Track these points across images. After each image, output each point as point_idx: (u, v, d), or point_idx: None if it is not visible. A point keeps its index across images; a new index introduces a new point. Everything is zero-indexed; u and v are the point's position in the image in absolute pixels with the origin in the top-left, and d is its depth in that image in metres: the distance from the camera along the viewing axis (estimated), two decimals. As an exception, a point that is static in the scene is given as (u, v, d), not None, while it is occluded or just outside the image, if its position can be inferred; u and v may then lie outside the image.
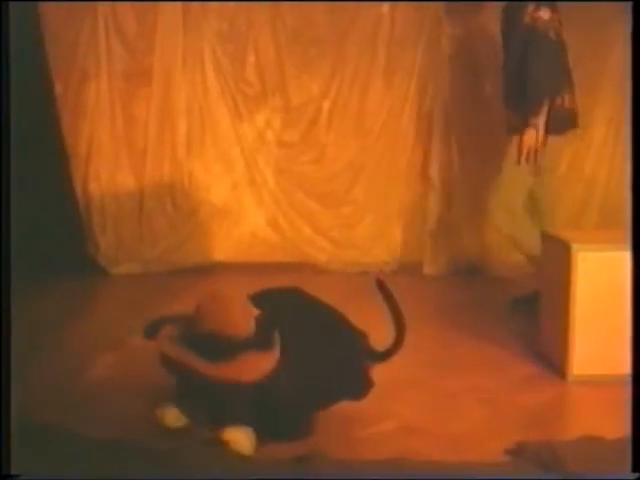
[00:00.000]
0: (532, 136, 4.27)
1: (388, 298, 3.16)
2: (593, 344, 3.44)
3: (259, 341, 2.73)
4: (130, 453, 2.71)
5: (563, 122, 4.38)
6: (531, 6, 4.21)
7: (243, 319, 2.77)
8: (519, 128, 4.33)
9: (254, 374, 2.71)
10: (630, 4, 3.24)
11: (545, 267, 3.83)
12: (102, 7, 5.35)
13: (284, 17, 5.47)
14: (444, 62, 5.49)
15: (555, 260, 3.62)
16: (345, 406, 3.03)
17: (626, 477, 2.44)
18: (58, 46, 5.31)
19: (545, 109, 4.26)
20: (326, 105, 5.58)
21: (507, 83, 4.53)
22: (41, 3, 5.20)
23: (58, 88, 5.36)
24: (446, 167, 5.60)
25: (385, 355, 3.12)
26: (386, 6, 5.47)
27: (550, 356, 3.70)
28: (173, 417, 2.89)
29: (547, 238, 3.80)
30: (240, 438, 2.75)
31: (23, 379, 3.40)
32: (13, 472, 2.35)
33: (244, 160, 5.60)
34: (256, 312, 2.81)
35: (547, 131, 4.31)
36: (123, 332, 4.10)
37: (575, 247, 3.43)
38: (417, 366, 3.68)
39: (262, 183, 5.64)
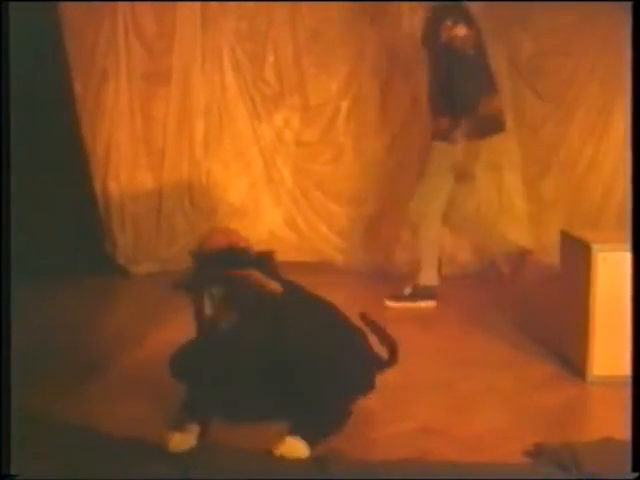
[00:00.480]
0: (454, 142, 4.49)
1: (374, 328, 3.25)
2: (613, 345, 3.42)
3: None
4: (147, 453, 2.72)
5: (486, 127, 4.55)
6: (448, 22, 4.43)
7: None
8: (443, 135, 4.56)
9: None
10: (630, 4, 3.22)
11: (565, 267, 3.80)
12: (122, 7, 5.38)
13: (303, 16, 5.47)
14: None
15: (575, 260, 3.60)
16: (363, 406, 3.02)
17: (626, 477, 2.43)
18: (78, 46, 5.35)
19: (467, 118, 4.47)
20: (345, 104, 5.58)
21: (432, 92, 4.70)
22: (61, 3, 5.23)
23: (77, 88, 5.39)
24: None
25: (383, 365, 3.21)
26: (406, 4, 5.45)
27: (570, 356, 3.68)
28: (178, 442, 2.81)
29: (567, 238, 3.77)
30: (296, 446, 2.75)
31: (41, 377, 3.44)
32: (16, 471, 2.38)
33: (262, 159, 5.62)
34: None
35: (469, 137, 4.50)
36: (141, 331, 4.13)
37: (595, 247, 3.41)
38: (436, 367, 3.69)
39: (280, 182, 5.65)
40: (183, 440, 2.79)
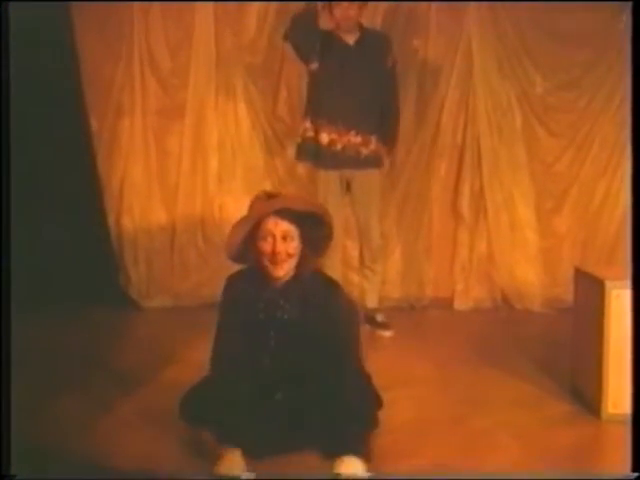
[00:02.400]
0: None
1: None
2: (628, 382, 3.38)
3: None
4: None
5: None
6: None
7: None
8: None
9: None
10: (630, 4, 3.23)
11: (579, 303, 3.78)
12: (138, 44, 5.45)
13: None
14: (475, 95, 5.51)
15: (588, 297, 3.58)
16: (374, 443, 3.01)
17: (626, 477, 2.40)
18: (94, 82, 5.43)
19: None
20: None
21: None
22: (79, 39, 5.30)
23: (94, 124, 5.47)
24: (477, 200, 5.60)
25: None
26: (418, 39, 5.50)
27: (584, 394, 3.65)
28: (228, 465, 2.80)
29: (580, 275, 3.76)
30: (354, 464, 2.78)
31: (51, 410, 3.44)
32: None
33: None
34: None
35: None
36: (153, 365, 4.12)
37: (609, 284, 3.40)
38: (449, 402, 3.66)
39: (293, 217, 5.65)
40: (233, 463, 2.78)
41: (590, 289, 3.56)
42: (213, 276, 5.51)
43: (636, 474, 2.39)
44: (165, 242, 5.58)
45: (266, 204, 2.96)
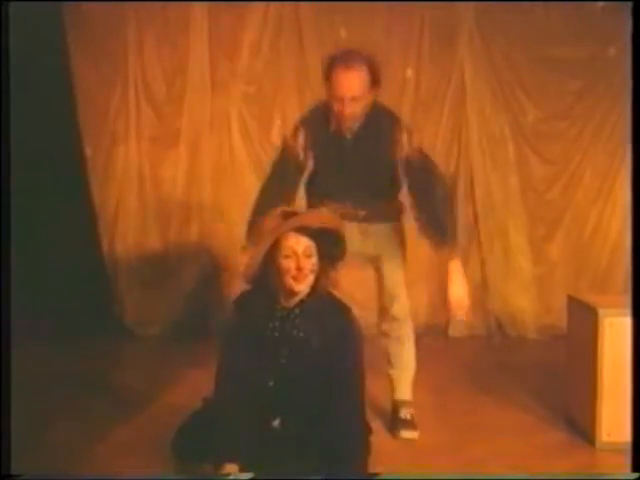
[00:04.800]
0: None
1: None
2: (622, 411, 3.38)
3: None
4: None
5: None
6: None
7: None
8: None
9: None
10: (630, 4, 3.26)
11: (572, 332, 3.79)
12: (133, 72, 5.47)
13: (310, 80, 5.55)
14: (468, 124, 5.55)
15: (582, 325, 3.59)
16: (371, 468, 3.00)
17: (626, 477, 2.40)
18: (89, 110, 5.45)
19: None
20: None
21: None
22: (74, 66, 5.34)
23: (88, 151, 5.49)
24: (470, 229, 5.62)
25: None
26: (411, 70, 5.55)
27: (578, 422, 3.65)
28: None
29: (573, 302, 3.77)
30: None
31: (46, 438, 3.43)
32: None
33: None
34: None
35: None
36: (148, 393, 4.11)
37: (602, 312, 3.41)
38: (445, 431, 3.66)
39: (287, 244, 5.66)
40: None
41: (583, 317, 3.57)
42: (208, 304, 5.55)
43: (636, 474, 2.38)
44: (159, 270, 5.58)
45: (285, 223, 2.96)
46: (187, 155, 5.56)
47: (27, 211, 5.07)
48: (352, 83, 3.25)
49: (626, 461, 3.18)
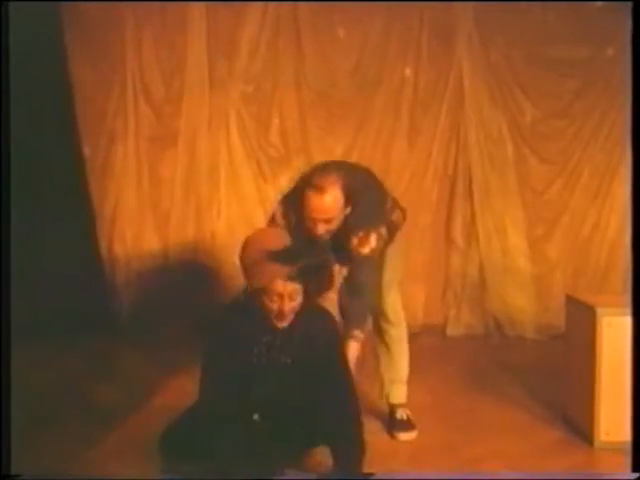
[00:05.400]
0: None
1: None
2: (620, 410, 3.39)
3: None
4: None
5: None
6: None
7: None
8: None
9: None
10: (630, 4, 3.26)
11: (570, 331, 3.79)
12: (131, 72, 5.47)
13: (308, 79, 5.55)
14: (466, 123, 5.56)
15: (580, 324, 3.59)
16: (369, 469, 3.00)
17: (626, 477, 2.40)
18: (87, 110, 5.45)
19: None
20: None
21: None
22: (72, 66, 5.34)
23: (86, 151, 5.48)
24: (469, 228, 5.63)
25: None
26: (409, 69, 5.55)
27: (576, 421, 3.65)
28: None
29: (571, 302, 3.77)
30: None
31: (43, 438, 3.43)
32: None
33: (267, 221, 5.63)
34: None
35: None
36: (145, 393, 4.11)
37: (600, 312, 3.41)
38: (443, 430, 3.66)
39: (285, 244, 5.66)
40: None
41: (581, 316, 3.58)
42: (206, 303, 5.55)
43: (636, 474, 2.38)
44: (158, 269, 5.58)
45: (279, 270, 2.85)
46: (185, 155, 5.55)
47: (25, 211, 5.07)
48: (325, 207, 3.19)
49: (624, 460, 3.19)
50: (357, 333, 3.31)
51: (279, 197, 3.54)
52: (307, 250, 3.00)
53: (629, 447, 3.19)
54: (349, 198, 3.23)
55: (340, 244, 3.35)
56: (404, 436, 3.61)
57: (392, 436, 3.61)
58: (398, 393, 3.74)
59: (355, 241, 3.31)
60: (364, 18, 5.46)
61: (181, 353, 4.92)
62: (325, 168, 3.34)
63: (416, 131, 5.59)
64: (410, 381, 3.79)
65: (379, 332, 3.71)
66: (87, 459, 3.28)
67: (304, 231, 3.28)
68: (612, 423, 3.42)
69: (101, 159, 5.53)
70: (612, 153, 5.59)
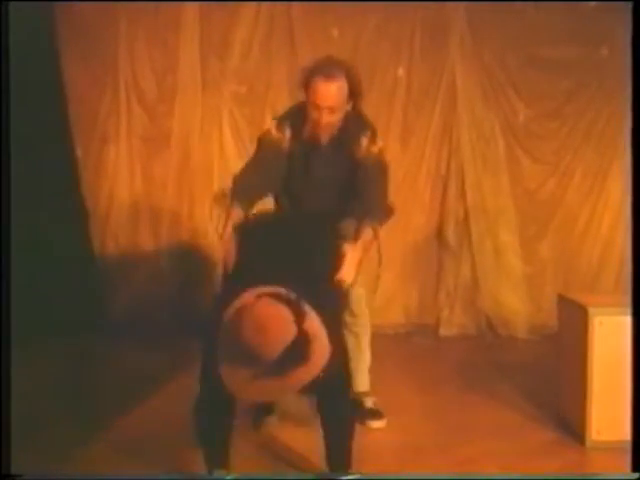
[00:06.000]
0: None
1: None
2: (612, 409, 3.40)
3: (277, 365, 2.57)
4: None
5: None
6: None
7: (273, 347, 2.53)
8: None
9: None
10: (630, 4, 3.26)
11: (562, 330, 3.80)
12: (124, 72, 5.48)
13: (301, 80, 5.55)
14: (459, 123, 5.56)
15: (572, 324, 3.60)
16: (362, 468, 3.01)
17: (626, 477, 2.40)
18: (80, 110, 5.45)
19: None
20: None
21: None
22: (65, 67, 5.33)
23: (79, 151, 5.48)
24: (462, 227, 5.64)
25: None
26: (402, 69, 5.56)
27: (569, 420, 3.66)
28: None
29: (564, 301, 3.78)
30: None
31: (36, 438, 3.43)
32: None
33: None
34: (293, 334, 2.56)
35: None
36: (138, 392, 4.11)
37: (592, 311, 3.41)
38: (435, 430, 3.66)
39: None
40: None
41: (573, 316, 3.58)
42: (199, 303, 5.55)
43: (636, 474, 2.39)
44: (150, 268, 5.58)
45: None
46: (178, 155, 5.56)
47: (18, 212, 5.05)
48: (331, 94, 3.25)
49: (616, 460, 3.22)
50: (373, 224, 3.30)
51: (280, 114, 3.56)
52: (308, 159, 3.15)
53: (620, 446, 3.23)
54: (352, 91, 3.30)
55: (344, 150, 3.40)
56: (376, 424, 3.67)
57: (364, 425, 3.61)
58: (363, 381, 3.79)
59: (365, 141, 3.38)
60: (357, 18, 5.47)
61: (174, 352, 4.93)
62: (331, 59, 3.39)
63: (409, 131, 5.60)
64: (402, 381, 3.80)
65: (345, 325, 3.66)
66: (82, 458, 3.28)
67: (304, 140, 3.37)
68: (604, 422, 3.43)
69: (94, 159, 5.54)
70: (605, 153, 5.61)
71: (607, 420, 3.42)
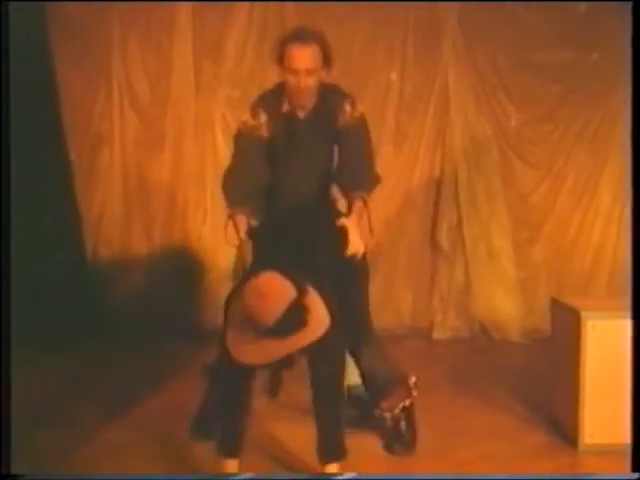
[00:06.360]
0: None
1: None
2: (604, 412, 3.41)
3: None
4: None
5: None
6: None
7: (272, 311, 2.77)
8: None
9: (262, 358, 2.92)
10: (630, 4, 3.28)
11: (555, 334, 3.81)
12: (117, 75, 5.48)
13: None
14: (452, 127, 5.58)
15: (565, 327, 3.61)
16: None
17: (626, 477, 2.41)
18: (73, 114, 5.44)
19: None
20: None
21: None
22: (58, 70, 5.32)
23: (72, 155, 5.47)
24: (455, 232, 5.65)
25: None
26: (395, 73, 5.57)
27: (562, 424, 3.67)
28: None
29: (556, 305, 3.79)
30: None
31: (36, 440, 3.42)
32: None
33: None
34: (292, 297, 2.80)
35: None
36: (133, 396, 4.10)
37: (584, 315, 3.42)
38: (430, 434, 3.65)
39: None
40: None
41: (566, 319, 3.59)
42: (192, 305, 5.55)
43: (636, 474, 2.39)
44: (143, 272, 5.57)
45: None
46: (171, 158, 5.56)
47: (9, 215, 5.03)
48: (306, 57, 3.32)
49: (609, 463, 3.24)
50: (361, 194, 3.40)
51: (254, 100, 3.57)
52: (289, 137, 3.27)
53: (613, 450, 3.25)
54: (326, 57, 3.36)
55: (325, 122, 3.45)
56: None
57: None
58: (354, 375, 3.81)
59: (348, 107, 3.44)
60: (350, 23, 5.47)
61: (167, 356, 4.92)
62: (302, 28, 3.45)
63: (402, 135, 5.61)
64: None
65: None
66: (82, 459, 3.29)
67: (282, 118, 3.42)
68: (596, 426, 3.44)
69: (87, 162, 5.53)
70: (596, 157, 5.64)
71: (600, 424, 3.43)
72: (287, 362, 3.11)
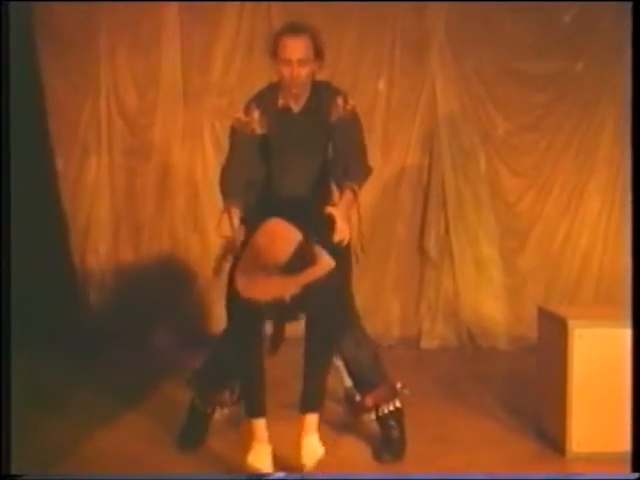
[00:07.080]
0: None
1: None
2: (592, 421, 3.43)
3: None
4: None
5: None
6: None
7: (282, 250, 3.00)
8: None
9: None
10: (630, 4, 3.29)
11: (542, 342, 3.83)
12: (105, 84, 5.48)
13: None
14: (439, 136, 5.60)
15: (552, 336, 3.62)
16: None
17: (626, 477, 2.42)
18: (60, 122, 5.44)
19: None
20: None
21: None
22: (45, 78, 5.33)
23: (59, 163, 5.47)
24: (443, 239, 5.66)
25: None
26: (383, 82, 5.59)
27: (549, 432, 3.68)
28: None
29: (543, 314, 3.80)
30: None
31: (25, 450, 3.41)
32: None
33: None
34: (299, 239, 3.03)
35: None
36: (119, 405, 4.09)
37: (571, 323, 3.44)
38: (418, 442, 3.66)
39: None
40: (261, 456, 3.18)
41: (553, 328, 3.60)
42: (180, 315, 5.54)
43: (636, 474, 2.40)
44: (131, 282, 5.56)
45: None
46: (160, 167, 5.55)
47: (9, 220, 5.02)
48: (299, 47, 3.40)
49: (596, 471, 3.24)
50: (351, 185, 3.48)
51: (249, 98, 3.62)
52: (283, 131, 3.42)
53: (600, 458, 3.27)
54: (318, 50, 3.45)
55: (317, 115, 3.51)
56: (372, 416, 3.73)
57: (357, 419, 3.77)
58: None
59: (340, 100, 3.52)
60: (338, 31, 5.49)
61: (154, 365, 4.91)
62: (295, 22, 3.56)
63: (389, 143, 5.62)
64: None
65: None
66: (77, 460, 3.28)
67: (276, 112, 3.48)
68: (584, 434, 3.45)
69: (74, 171, 5.52)
70: (583, 166, 5.67)
71: (587, 432, 3.44)
72: (291, 315, 3.30)
